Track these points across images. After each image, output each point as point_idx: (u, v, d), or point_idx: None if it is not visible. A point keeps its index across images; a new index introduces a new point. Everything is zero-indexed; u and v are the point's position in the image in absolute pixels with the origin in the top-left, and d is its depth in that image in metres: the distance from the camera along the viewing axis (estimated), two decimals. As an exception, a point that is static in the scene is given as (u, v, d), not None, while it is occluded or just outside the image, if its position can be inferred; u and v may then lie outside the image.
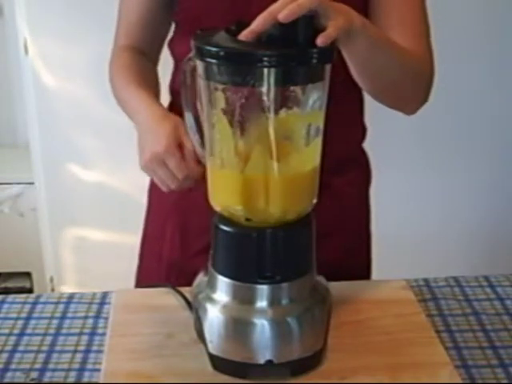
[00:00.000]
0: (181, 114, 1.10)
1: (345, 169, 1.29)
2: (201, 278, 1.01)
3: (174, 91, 1.29)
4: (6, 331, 1.09)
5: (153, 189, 1.38)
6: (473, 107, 2.27)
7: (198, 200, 1.24)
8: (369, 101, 1.33)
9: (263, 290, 0.93)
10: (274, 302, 0.94)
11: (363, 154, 1.35)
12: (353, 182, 1.32)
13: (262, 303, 0.94)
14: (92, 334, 1.08)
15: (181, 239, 1.30)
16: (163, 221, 1.33)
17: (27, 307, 1.15)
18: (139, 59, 1.26)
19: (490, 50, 2.21)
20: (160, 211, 1.35)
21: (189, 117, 1.01)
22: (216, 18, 1.13)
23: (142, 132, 1.12)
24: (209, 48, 0.85)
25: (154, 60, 1.32)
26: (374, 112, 1.36)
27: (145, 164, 1.09)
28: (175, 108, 1.25)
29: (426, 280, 1.22)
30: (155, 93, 1.22)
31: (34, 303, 1.16)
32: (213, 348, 0.96)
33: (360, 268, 1.37)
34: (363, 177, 1.36)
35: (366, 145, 1.34)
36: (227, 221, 0.94)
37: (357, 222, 1.36)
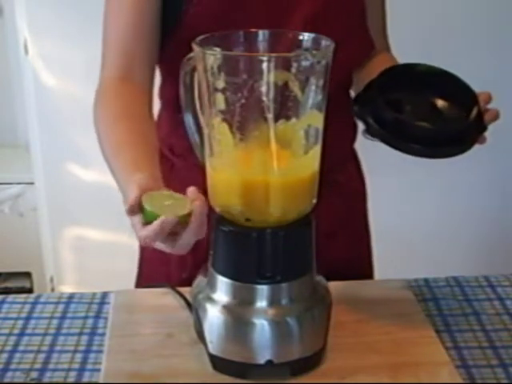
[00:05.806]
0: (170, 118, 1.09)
1: (345, 166, 1.32)
2: (200, 278, 1.01)
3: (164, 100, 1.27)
4: (6, 331, 1.09)
5: None
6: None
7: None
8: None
9: (263, 290, 0.93)
10: (273, 302, 0.94)
11: (355, 153, 1.37)
12: (355, 178, 1.36)
13: (261, 303, 0.94)
14: (92, 333, 1.08)
15: (193, 259, 1.13)
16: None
17: (27, 307, 1.15)
18: (134, 112, 1.07)
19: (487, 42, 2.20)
20: None
21: (188, 117, 1.01)
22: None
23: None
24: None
25: (149, 93, 1.13)
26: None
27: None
28: (164, 114, 1.25)
29: (426, 280, 1.22)
30: (150, 157, 1.03)
31: (34, 303, 1.16)
32: (213, 348, 0.96)
33: (364, 266, 1.39)
34: (360, 174, 1.39)
35: (364, 144, 1.35)
36: (227, 221, 0.94)
37: (360, 218, 1.38)
